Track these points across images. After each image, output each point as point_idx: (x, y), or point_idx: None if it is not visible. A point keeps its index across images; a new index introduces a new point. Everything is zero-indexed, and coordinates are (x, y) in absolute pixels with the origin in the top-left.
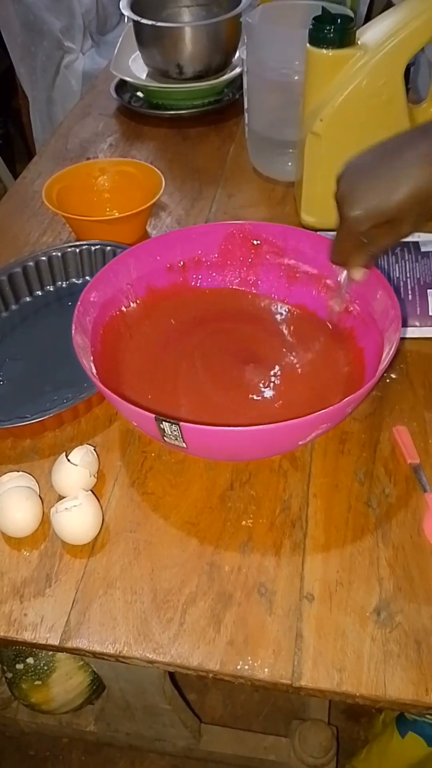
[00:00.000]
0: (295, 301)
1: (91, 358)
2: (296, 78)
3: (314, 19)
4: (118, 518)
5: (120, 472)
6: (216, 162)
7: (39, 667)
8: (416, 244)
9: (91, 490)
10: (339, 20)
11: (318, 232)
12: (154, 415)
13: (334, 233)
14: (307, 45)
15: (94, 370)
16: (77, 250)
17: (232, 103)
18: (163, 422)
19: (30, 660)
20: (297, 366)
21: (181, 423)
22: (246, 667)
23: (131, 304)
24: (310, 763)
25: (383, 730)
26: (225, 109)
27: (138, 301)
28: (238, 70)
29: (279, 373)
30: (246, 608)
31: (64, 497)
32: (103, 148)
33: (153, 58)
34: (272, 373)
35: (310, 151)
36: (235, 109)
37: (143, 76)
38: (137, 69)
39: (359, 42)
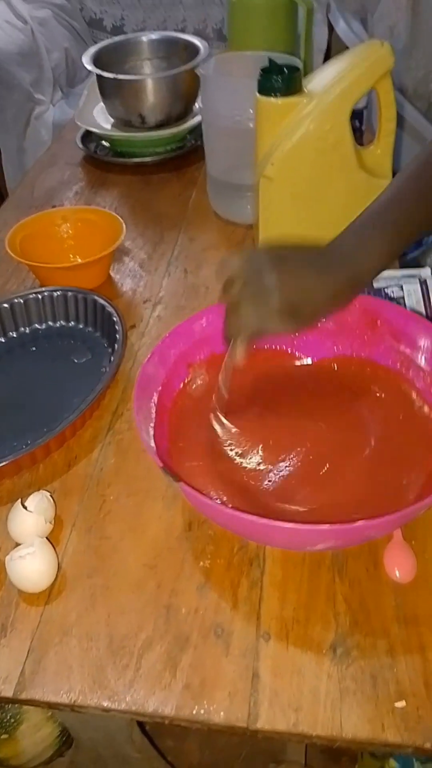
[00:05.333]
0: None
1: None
2: (250, 125)
3: (262, 69)
4: (75, 564)
5: (78, 517)
6: (178, 207)
7: (5, 720)
8: None
9: (47, 537)
10: (286, 70)
11: None
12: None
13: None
14: (256, 94)
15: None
16: (39, 297)
17: (194, 149)
18: None
19: None
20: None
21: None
22: (202, 711)
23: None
24: None
25: None
26: (187, 155)
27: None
28: (198, 118)
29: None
30: (202, 650)
31: (20, 544)
32: (69, 196)
33: (116, 108)
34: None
35: (264, 193)
36: (197, 155)
37: (108, 125)
38: (102, 119)
39: (306, 90)
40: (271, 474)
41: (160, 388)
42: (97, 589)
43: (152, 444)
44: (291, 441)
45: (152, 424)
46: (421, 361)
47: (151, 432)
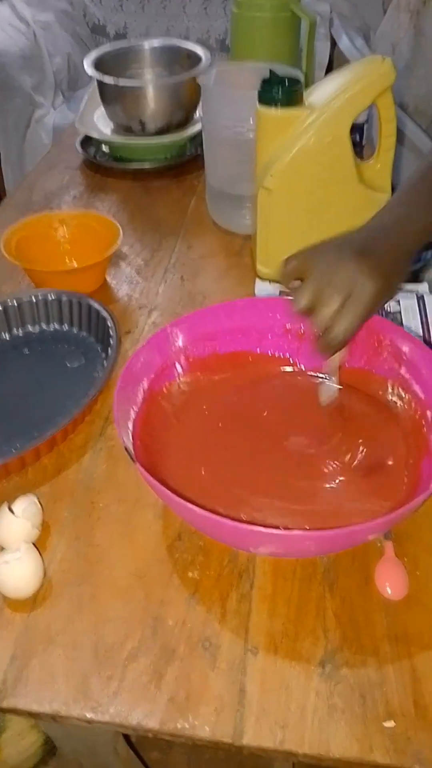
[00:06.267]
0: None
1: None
2: (251, 136)
3: (263, 80)
4: (62, 571)
5: (66, 523)
6: (176, 214)
7: None
8: None
9: (34, 543)
10: (287, 82)
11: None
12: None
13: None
14: (257, 105)
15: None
16: (34, 299)
17: (194, 157)
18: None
19: None
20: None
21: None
22: (186, 725)
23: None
24: None
25: None
26: (187, 163)
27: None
28: (199, 126)
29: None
30: (189, 663)
31: (5, 549)
32: (67, 200)
33: (116, 114)
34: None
35: (263, 205)
36: (197, 163)
37: (108, 131)
38: (102, 124)
39: (307, 102)
40: (247, 475)
41: (153, 375)
42: (84, 597)
43: (129, 427)
44: (271, 445)
45: (135, 407)
46: (416, 386)
47: (132, 415)
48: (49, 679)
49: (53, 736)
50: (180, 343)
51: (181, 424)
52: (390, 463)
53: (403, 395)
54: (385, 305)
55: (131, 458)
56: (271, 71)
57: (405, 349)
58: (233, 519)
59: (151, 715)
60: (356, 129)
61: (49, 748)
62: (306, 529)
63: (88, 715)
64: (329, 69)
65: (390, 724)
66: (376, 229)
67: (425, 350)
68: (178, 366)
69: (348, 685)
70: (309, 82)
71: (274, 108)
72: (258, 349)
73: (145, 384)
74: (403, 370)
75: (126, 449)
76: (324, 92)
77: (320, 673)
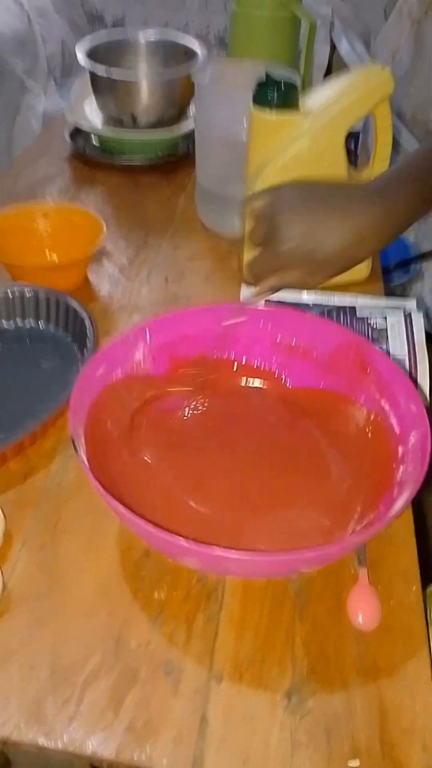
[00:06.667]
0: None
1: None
2: (243, 137)
3: (258, 82)
4: (22, 584)
5: (30, 533)
6: (165, 213)
7: None
8: (353, 309)
9: None
10: (282, 85)
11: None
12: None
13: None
14: (251, 106)
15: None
16: (10, 294)
17: (186, 155)
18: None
19: None
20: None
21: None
22: (143, 756)
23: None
24: None
25: None
26: (179, 160)
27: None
28: (191, 123)
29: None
30: (150, 688)
31: None
32: (53, 191)
33: (107, 106)
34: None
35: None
36: (189, 161)
37: (99, 122)
38: (93, 115)
39: (302, 107)
40: (208, 488)
41: (119, 369)
42: (44, 613)
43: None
44: (237, 460)
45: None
46: (393, 419)
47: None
48: (1, 701)
49: (6, 750)
50: (154, 344)
51: (146, 434)
52: (347, 489)
53: (379, 426)
54: (371, 322)
55: (85, 470)
56: (266, 73)
57: (387, 379)
58: (181, 536)
59: (107, 744)
60: (351, 137)
61: (2, 761)
62: (253, 549)
63: (40, 742)
64: (328, 72)
65: (355, 763)
66: (360, 188)
67: (406, 383)
68: (150, 369)
69: (313, 719)
70: (307, 84)
71: (269, 111)
72: (244, 359)
73: (115, 377)
74: (382, 401)
75: (72, 441)
76: (320, 98)
77: (286, 705)
